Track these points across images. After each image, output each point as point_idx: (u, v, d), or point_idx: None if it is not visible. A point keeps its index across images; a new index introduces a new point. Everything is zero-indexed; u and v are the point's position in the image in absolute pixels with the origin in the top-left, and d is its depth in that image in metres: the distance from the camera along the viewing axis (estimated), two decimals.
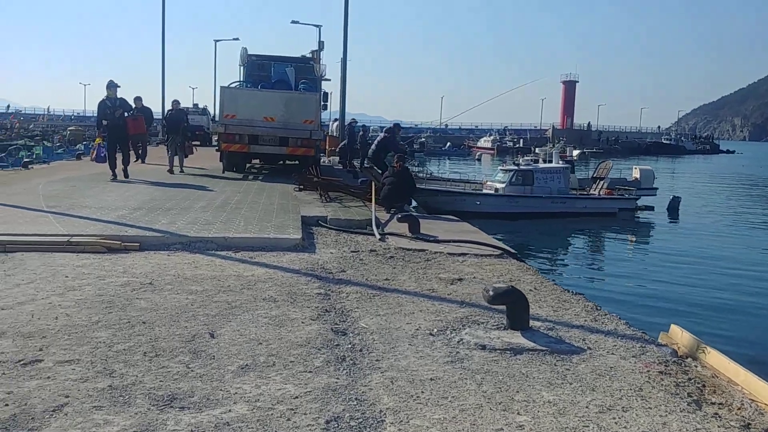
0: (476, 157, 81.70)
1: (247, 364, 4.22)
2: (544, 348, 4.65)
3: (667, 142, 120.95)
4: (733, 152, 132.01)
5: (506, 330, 4.96)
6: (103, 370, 4.06)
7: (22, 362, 4.11)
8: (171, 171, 16.72)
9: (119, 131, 14.87)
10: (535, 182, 28.18)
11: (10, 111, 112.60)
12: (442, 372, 4.22)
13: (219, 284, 6.28)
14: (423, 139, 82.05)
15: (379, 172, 15.93)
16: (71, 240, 7.69)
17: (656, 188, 32.76)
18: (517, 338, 4.79)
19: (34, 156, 31.82)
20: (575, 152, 37.14)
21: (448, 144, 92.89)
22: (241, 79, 20.15)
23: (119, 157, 15.00)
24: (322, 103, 19.55)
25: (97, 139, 16.15)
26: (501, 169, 31.17)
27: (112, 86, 14.61)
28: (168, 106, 19.10)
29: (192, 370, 4.10)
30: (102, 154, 14.92)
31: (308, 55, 23.58)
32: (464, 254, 8.21)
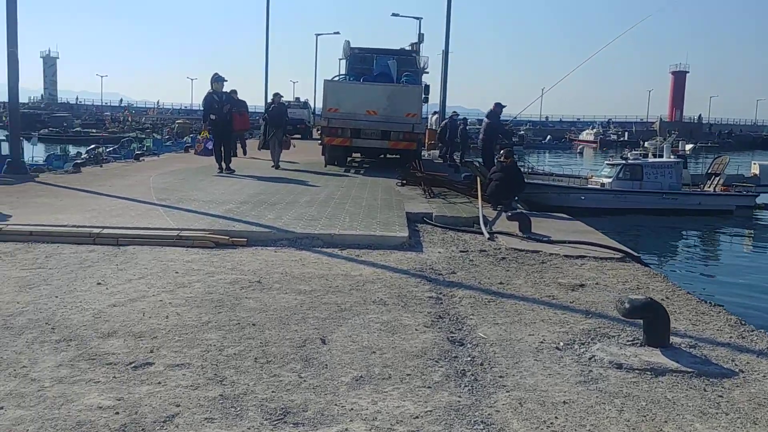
0: (578, 150, 79.24)
1: (361, 376, 3.95)
2: (689, 369, 4.13)
3: None
4: None
5: (643, 346, 4.47)
6: (213, 376, 3.89)
7: (133, 365, 4.01)
8: (275, 166, 16.64)
9: (226, 126, 14.99)
10: (645, 177, 26.89)
11: (123, 105, 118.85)
12: (576, 394, 3.80)
13: (327, 284, 6.07)
14: (522, 132, 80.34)
15: (478, 164, 15.45)
16: (181, 234, 7.71)
17: None
18: (657, 356, 4.30)
19: (145, 148, 33.17)
20: (688, 146, 35.17)
21: (548, 137, 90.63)
22: (344, 73, 20.11)
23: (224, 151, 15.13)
24: (424, 96, 19.21)
25: (203, 133, 16.45)
26: (608, 164, 29.96)
27: (219, 80, 14.65)
28: (269, 100, 19.11)
29: (304, 380, 3.86)
30: (209, 148, 15.16)
31: (408, 48, 23.33)
32: (582, 257, 7.67)
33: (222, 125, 14.84)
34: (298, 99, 46.14)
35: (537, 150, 74.37)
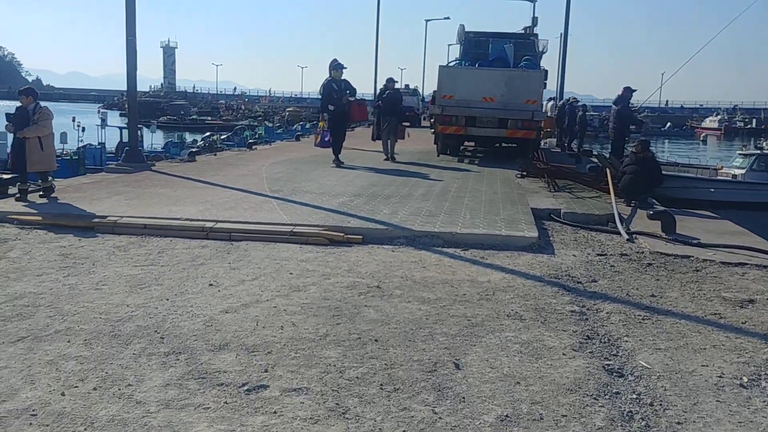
0: (701, 138, 74.73)
1: (507, 415, 3.32)
2: None
3: None
4: None
5: None
6: (335, 406, 3.37)
7: (246, 388, 3.55)
8: (387, 158, 15.34)
9: (345, 117, 14.21)
10: None
11: (236, 93, 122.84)
12: None
13: (452, 291, 5.46)
14: (641, 119, 76.44)
15: (608, 154, 14.31)
16: (294, 230, 7.32)
17: None
18: None
19: (257, 136, 33.68)
20: None
21: (668, 124, 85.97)
22: (459, 57, 19.35)
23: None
24: (544, 81, 18.14)
25: (321, 123, 16.09)
26: (740, 154, 27.67)
27: (338, 67, 13.75)
28: (380, 86, 18.13)
29: (440, 417, 3.28)
30: (326, 139, 14.64)
31: (521, 32, 22.26)
32: (742, 264, 6.68)
33: (342, 117, 14.04)
34: (407, 86, 45.59)
35: (656, 137, 70.57)
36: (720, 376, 3.84)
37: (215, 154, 16.85)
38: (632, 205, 10.19)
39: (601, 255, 7.05)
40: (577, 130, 23.12)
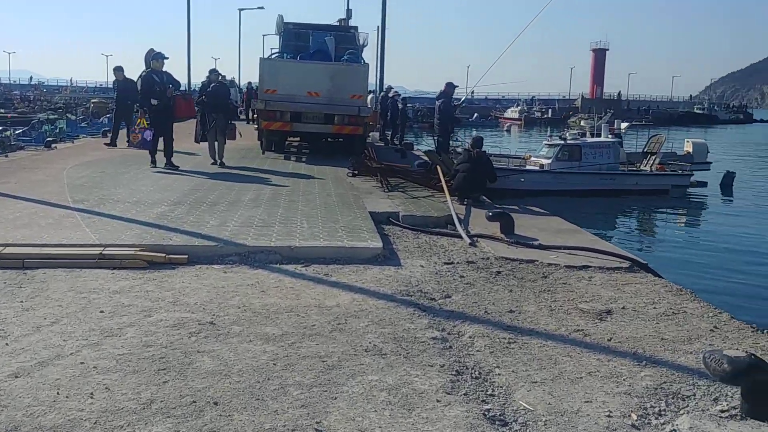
0: (505, 128, 79.54)
1: None
2: None
3: (700, 111, 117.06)
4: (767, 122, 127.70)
5: (745, 420, 3.39)
6: None
7: None
8: (215, 162, 13.37)
9: (169, 113, 12.63)
10: (583, 158, 26.40)
11: (33, 83, 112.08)
12: None
13: (300, 323, 4.77)
14: (458, 115, 79.65)
15: (433, 152, 14.26)
16: (105, 252, 6.22)
17: (710, 162, 30.78)
18: None
19: (58, 130, 30.39)
20: (623, 125, 34.93)
21: (476, 115, 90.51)
22: (279, 50, 18.50)
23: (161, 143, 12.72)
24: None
25: (141, 121, 14.40)
26: (546, 144, 29.40)
27: (158, 57, 12.29)
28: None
29: None
30: (148, 139, 12.89)
31: (336, 24, 21.87)
32: (586, 267, 6.63)
33: (165, 113, 12.46)
34: (223, 77, 43.73)
35: (464, 128, 74.04)
36: (609, 416, 3.50)
37: (6, 155, 14.62)
38: (466, 203, 10.07)
39: (448, 264, 6.69)
40: (399, 123, 23.23)
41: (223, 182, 11.00)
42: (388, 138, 23.48)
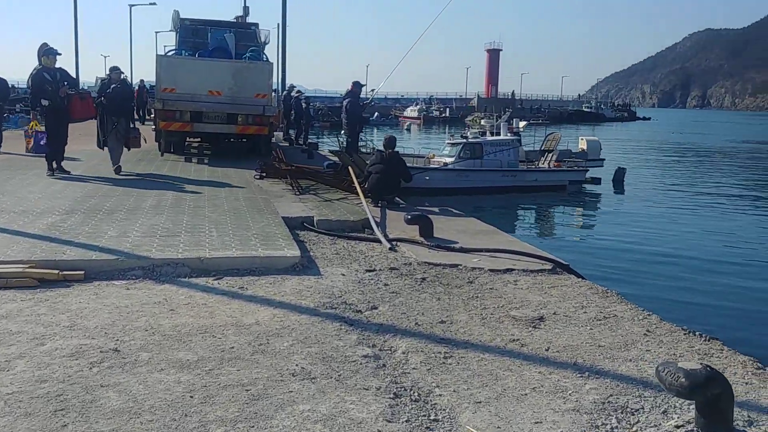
0: (405, 127, 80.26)
1: None
2: None
3: (588, 110, 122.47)
4: (649, 119, 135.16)
5: None
6: None
7: None
8: (119, 170, 11.88)
9: (64, 114, 11.51)
10: (485, 155, 26.84)
11: None
12: None
13: (216, 345, 4.33)
14: (366, 115, 79.55)
15: (344, 153, 13.91)
16: None
17: (603, 159, 32.10)
18: None
19: None
20: (521, 123, 35.84)
21: (376, 114, 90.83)
22: (176, 47, 17.60)
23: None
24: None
25: (33, 123, 13.18)
26: (448, 143, 29.71)
27: (50, 53, 11.18)
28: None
29: None
30: (42, 143, 11.63)
31: (235, 21, 21.15)
32: (510, 270, 6.48)
33: (59, 114, 11.34)
34: (125, 75, 41.68)
35: (366, 127, 74.07)
36: None
37: None
38: (380, 205, 9.80)
39: (370, 271, 6.38)
40: (304, 123, 22.77)
41: (120, 187, 10.23)
42: (293, 138, 22.97)
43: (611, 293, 5.83)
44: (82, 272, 5.73)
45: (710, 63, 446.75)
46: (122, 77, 12.69)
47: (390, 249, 7.28)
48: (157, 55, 15.79)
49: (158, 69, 14.88)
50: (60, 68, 11.44)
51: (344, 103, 15.01)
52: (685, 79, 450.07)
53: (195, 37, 17.73)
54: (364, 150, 26.00)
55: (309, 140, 23.57)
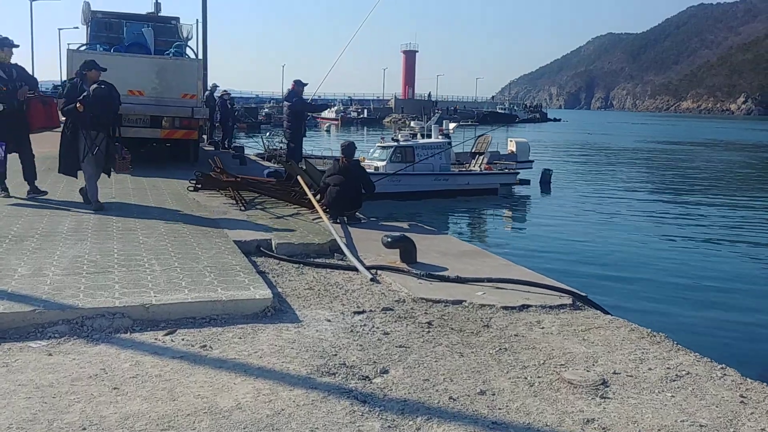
0: (325, 128, 79.11)
1: None
2: None
3: (502, 111, 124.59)
4: (560, 120, 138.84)
5: None
6: None
7: None
8: (96, 205, 8.61)
9: (21, 121, 9.13)
10: (417, 159, 26.03)
11: None
12: None
13: None
14: (267, 110, 78.01)
15: (293, 162, 12.57)
16: None
17: (532, 161, 32.14)
18: None
19: None
20: (452, 125, 35.24)
21: None
22: (87, 42, 15.74)
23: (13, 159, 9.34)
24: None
25: None
26: (379, 146, 28.73)
27: (6, 44, 8.90)
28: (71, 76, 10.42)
29: None
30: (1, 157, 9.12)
31: (153, 14, 19.43)
32: (525, 306, 5.41)
33: (13, 119, 8.95)
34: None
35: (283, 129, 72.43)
36: None
37: None
38: (339, 222, 8.57)
39: (359, 313, 5.17)
40: (230, 125, 21.17)
41: (27, 207, 8.55)
42: (218, 141, 21.32)
43: (660, 336, 4.83)
44: None
45: (612, 66, 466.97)
46: (99, 77, 8.83)
47: (371, 280, 6.07)
48: (68, 50, 13.92)
49: (70, 66, 13.04)
50: (16, 64, 9.16)
51: (285, 104, 13.66)
52: (589, 81, 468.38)
53: (109, 32, 15.99)
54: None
55: (233, 143, 22.02)
